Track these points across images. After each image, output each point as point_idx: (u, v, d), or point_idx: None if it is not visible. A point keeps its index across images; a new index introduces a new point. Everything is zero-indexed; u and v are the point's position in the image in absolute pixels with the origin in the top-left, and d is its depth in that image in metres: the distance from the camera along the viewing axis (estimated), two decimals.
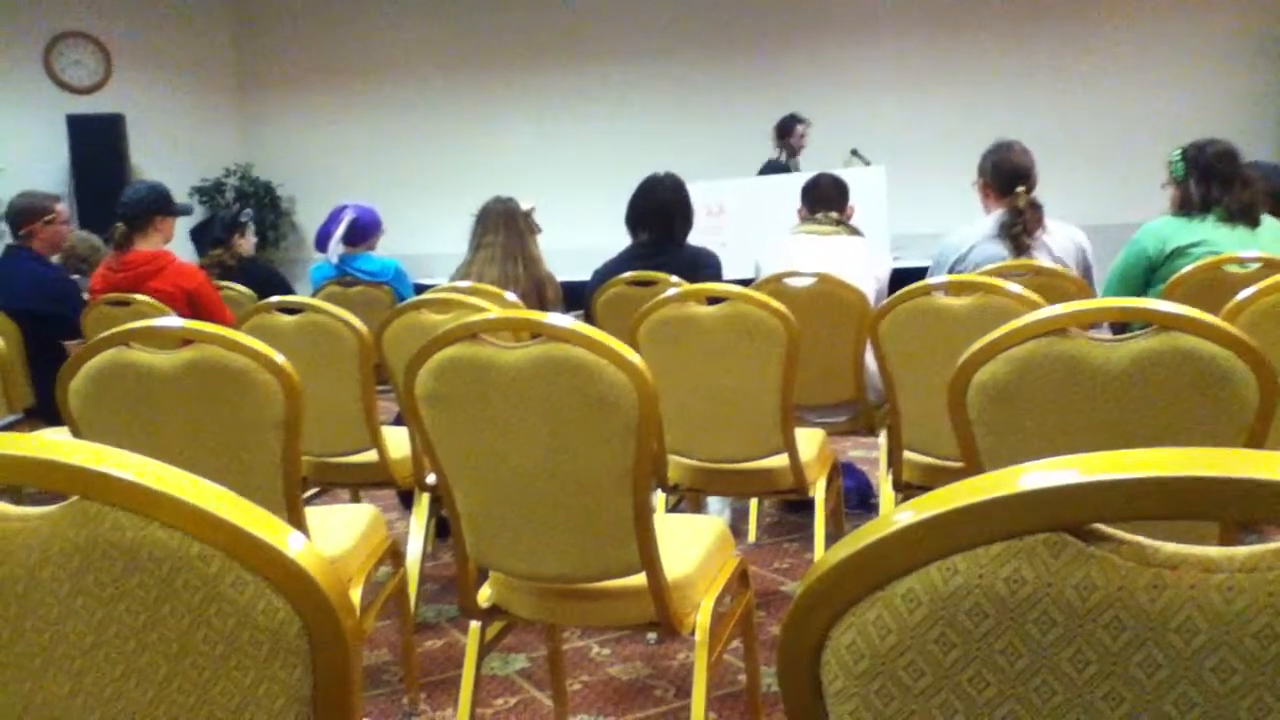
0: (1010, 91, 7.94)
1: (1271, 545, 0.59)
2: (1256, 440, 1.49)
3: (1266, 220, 3.36)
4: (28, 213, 4.17)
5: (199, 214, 8.32)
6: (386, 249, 4.99)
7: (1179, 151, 3.47)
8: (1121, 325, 2.48)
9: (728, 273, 3.72)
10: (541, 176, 8.40)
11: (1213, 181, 3.34)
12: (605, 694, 2.64)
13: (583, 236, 6.80)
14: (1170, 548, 0.61)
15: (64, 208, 4.33)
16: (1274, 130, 7.51)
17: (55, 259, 4.58)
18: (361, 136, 9.65)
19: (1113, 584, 0.60)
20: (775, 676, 2.25)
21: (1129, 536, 0.61)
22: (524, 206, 3.91)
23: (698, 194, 3.83)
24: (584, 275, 3.87)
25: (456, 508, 1.95)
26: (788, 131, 7.23)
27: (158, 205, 3.87)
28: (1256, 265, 2.97)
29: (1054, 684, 0.62)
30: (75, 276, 4.69)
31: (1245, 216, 3.30)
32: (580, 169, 8.88)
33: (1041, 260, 3.34)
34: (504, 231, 3.82)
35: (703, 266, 3.53)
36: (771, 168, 7.13)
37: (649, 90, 8.95)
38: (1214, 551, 0.60)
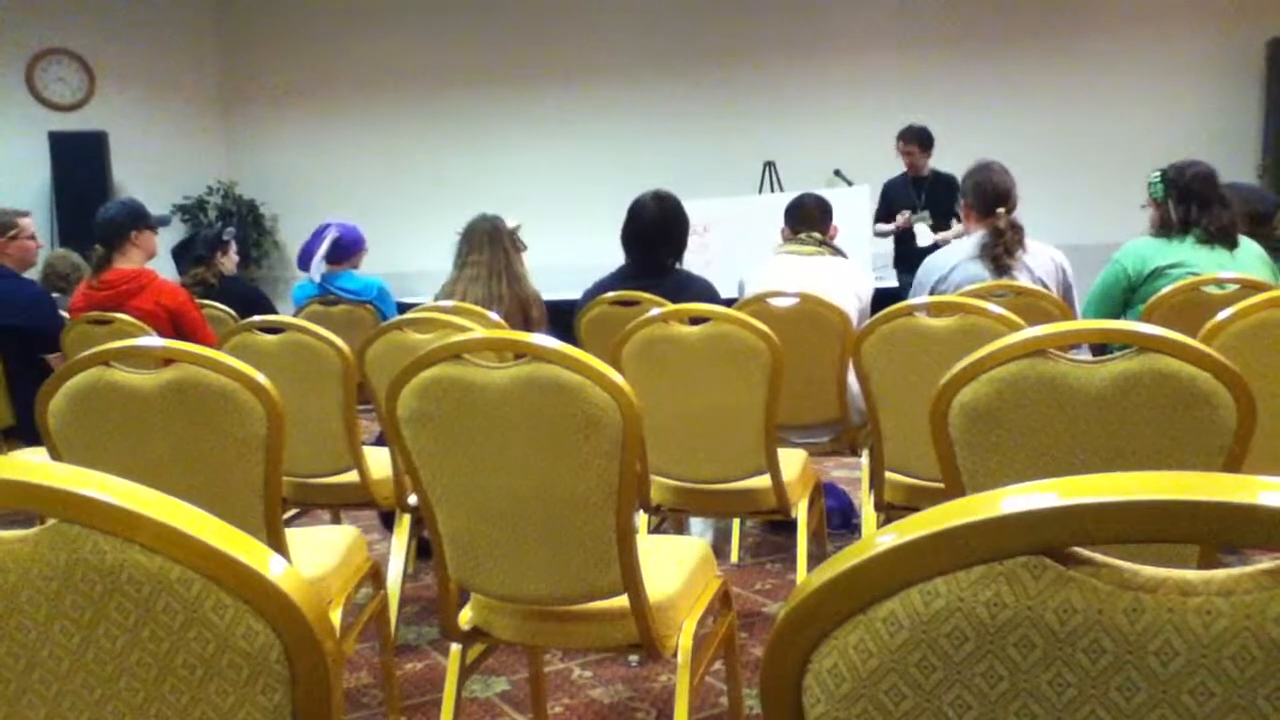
0: (992, 112, 8.00)
1: (1249, 569, 0.59)
2: (1234, 462, 1.50)
3: (1244, 242, 3.39)
4: None
5: (181, 231, 8.30)
6: (371, 267, 4.99)
7: (1158, 173, 3.51)
8: (1101, 347, 2.51)
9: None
10: (528, 194, 8.42)
11: (1191, 203, 3.38)
12: (587, 717, 2.63)
13: (571, 254, 6.81)
14: (1149, 571, 0.61)
15: (29, 222, 4.27)
16: (1254, 151, 7.60)
17: (33, 276, 4.54)
18: (346, 154, 9.65)
19: (1092, 607, 0.61)
20: (758, 698, 2.24)
21: (1108, 560, 0.62)
22: (509, 224, 3.91)
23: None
24: (573, 293, 3.86)
25: (438, 529, 1.95)
26: (897, 147, 6.79)
27: (132, 221, 3.85)
28: (1234, 287, 3.00)
29: (1034, 707, 0.63)
30: (56, 295, 4.66)
31: (1223, 238, 3.34)
32: (568, 186, 8.89)
33: (1022, 281, 3.37)
34: (489, 249, 3.81)
35: (691, 293, 3.46)
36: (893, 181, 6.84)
37: (637, 107, 8.98)
38: (1192, 575, 0.60)
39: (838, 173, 7.23)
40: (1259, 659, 0.58)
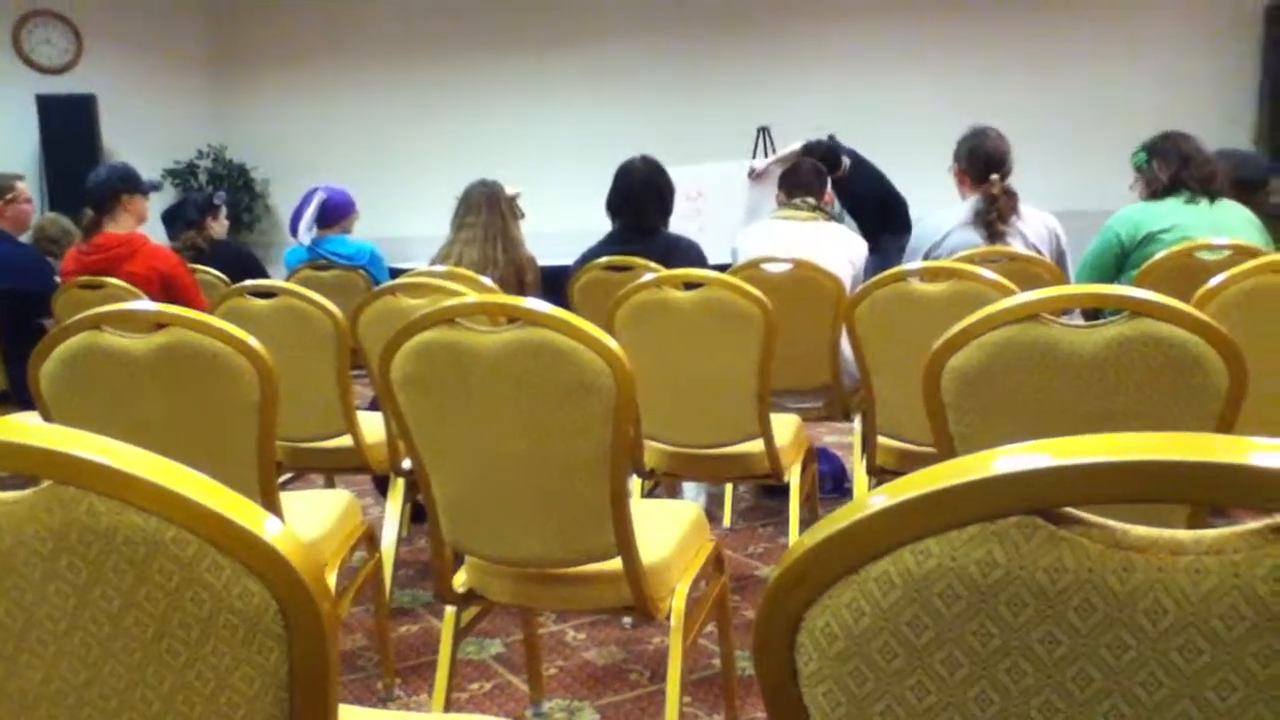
0: (985, 76, 7.95)
1: (1238, 528, 0.60)
2: (1226, 425, 1.51)
3: (1235, 205, 3.39)
4: None
5: (171, 196, 8.24)
6: (365, 232, 4.96)
7: (1140, 146, 3.54)
8: (1094, 311, 2.51)
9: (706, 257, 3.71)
10: (524, 158, 8.36)
11: (1170, 157, 3.40)
12: (581, 678, 2.65)
13: (565, 219, 6.77)
14: (1139, 531, 0.61)
15: (25, 186, 4.26)
16: (1250, 117, 7.56)
17: (25, 239, 4.52)
18: (338, 118, 9.56)
19: (1083, 566, 0.61)
20: (750, 660, 2.26)
21: (1099, 520, 0.62)
22: (509, 192, 3.91)
23: (676, 178, 3.81)
24: (564, 260, 3.86)
25: (433, 493, 1.95)
26: None
27: (123, 185, 3.82)
28: (1227, 252, 3.00)
29: (1024, 665, 0.63)
30: (47, 259, 4.64)
31: (1204, 189, 3.34)
32: (563, 151, 8.83)
33: (1016, 246, 3.37)
34: (485, 213, 3.82)
35: (679, 254, 3.51)
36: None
37: (632, 71, 8.90)
38: (1182, 535, 0.61)
39: (832, 138, 7.19)
40: (1247, 617, 0.58)
